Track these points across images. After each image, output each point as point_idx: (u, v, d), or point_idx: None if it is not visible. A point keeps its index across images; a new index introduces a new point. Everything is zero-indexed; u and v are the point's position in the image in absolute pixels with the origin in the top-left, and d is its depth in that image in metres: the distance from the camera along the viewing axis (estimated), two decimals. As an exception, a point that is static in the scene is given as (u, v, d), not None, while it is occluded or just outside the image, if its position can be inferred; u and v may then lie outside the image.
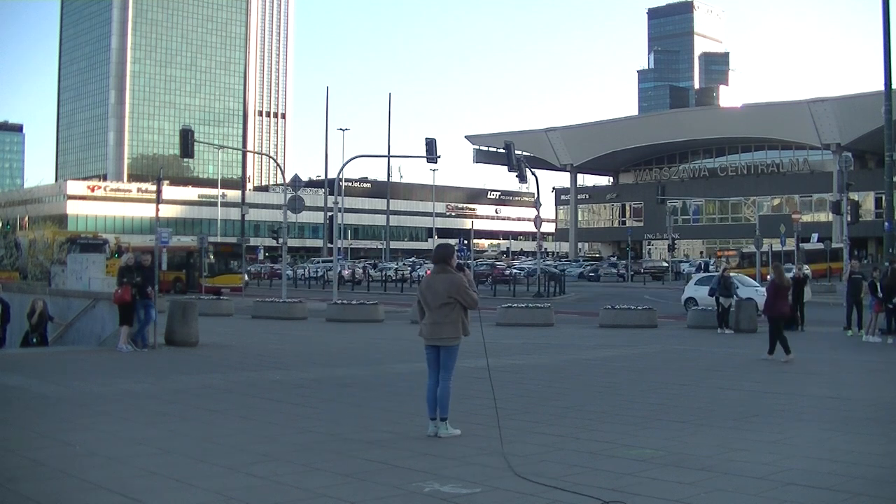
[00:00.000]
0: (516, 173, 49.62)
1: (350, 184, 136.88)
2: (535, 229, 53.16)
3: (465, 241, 76.81)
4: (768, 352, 18.20)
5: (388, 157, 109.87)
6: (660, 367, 17.63)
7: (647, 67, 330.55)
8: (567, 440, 9.57)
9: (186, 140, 37.09)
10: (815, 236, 68.65)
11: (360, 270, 72.97)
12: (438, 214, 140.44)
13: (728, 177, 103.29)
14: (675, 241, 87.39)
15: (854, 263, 26.62)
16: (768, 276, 24.80)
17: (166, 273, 42.12)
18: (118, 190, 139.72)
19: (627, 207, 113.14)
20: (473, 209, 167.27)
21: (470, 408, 11.81)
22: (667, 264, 79.40)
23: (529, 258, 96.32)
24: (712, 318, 26.53)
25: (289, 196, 39.28)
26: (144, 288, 18.72)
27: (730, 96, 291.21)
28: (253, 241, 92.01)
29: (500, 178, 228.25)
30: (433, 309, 9.63)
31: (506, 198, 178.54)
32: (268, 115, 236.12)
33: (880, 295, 22.26)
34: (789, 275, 21.92)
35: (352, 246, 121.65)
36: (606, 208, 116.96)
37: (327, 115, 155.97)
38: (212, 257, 51.27)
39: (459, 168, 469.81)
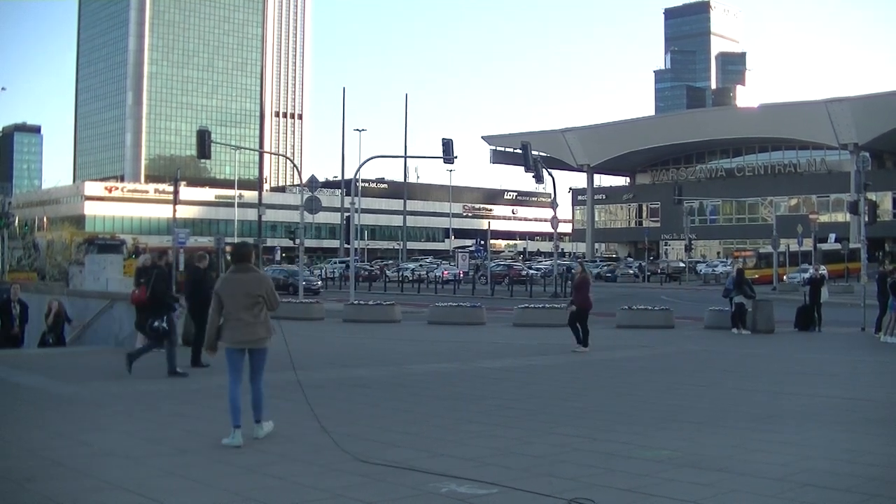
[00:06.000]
0: (533, 174, 49.68)
1: (367, 184, 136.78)
2: (552, 230, 53.07)
3: (482, 242, 76.68)
4: (582, 344, 19.59)
5: (405, 157, 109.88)
6: (676, 367, 17.61)
7: (663, 67, 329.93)
8: (583, 441, 9.56)
9: (203, 141, 37.25)
10: (832, 236, 68.39)
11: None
12: (455, 215, 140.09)
13: (745, 177, 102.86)
14: (692, 242, 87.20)
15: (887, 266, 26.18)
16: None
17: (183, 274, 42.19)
18: (135, 191, 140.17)
19: (644, 208, 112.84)
20: (490, 210, 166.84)
21: (486, 408, 11.83)
22: (683, 265, 79.25)
23: (546, 258, 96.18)
24: (729, 319, 26.29)
25: (306, 197, 39.29)
26: (162, 288, 18.76)
27: (747, 96, 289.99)
28: (270, 242, 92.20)
29: (516, 178, 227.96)
30: (242, 309, 9.27)
31: (522, 198, 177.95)
32: (284, 115, 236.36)
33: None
34: (806, 275, 22.00)
35: (368, 246, 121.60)
36: (623, 209, 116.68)
37: (344, 116, 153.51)
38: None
39: (476, 168, 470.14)
